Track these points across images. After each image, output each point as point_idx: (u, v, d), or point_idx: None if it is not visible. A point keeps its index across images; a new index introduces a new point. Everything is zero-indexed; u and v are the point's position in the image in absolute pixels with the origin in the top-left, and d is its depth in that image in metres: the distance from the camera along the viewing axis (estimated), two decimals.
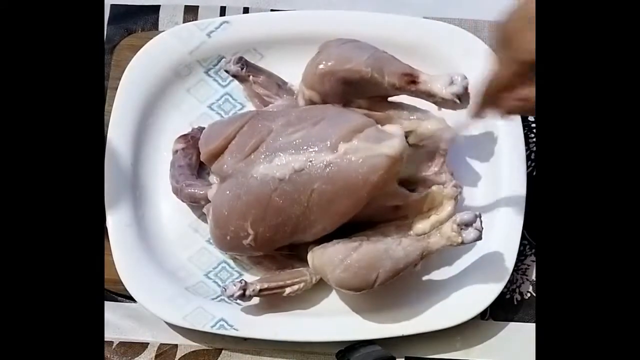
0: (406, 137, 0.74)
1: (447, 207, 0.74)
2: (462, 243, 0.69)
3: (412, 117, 0.76)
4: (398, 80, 0.73)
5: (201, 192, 0.77)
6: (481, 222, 0.69)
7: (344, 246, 0.71)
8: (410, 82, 0.73)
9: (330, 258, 0.71)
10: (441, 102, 0.74)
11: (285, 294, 0.74)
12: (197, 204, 0.78)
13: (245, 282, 0.73)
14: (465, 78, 0.72)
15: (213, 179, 0.78)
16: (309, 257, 0.74)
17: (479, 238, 0.69)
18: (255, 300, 0.75)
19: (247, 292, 0.73)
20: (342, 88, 0.74)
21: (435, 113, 0.76)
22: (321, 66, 0.74)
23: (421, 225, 0.74)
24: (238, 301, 0.74)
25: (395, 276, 0.70)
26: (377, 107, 0.76)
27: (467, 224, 0.69)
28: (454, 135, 0.75)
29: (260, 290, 0.73)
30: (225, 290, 0.73)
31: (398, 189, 0.73)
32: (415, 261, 0.71)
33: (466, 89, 0.72)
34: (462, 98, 0.73)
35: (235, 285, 0.73)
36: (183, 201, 0.79)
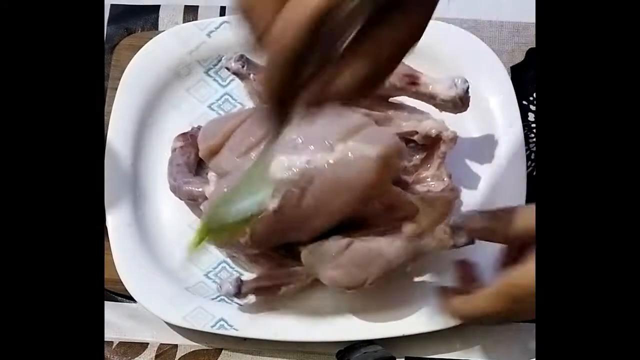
0: (411, 137, 0.74)
1: (442, 210, 0.73)
2: (454, 246, 0.69)
3: (411, 118, 0.76)
4: (399, 81, 0.73)
5: (199, 190, 0.77)
6: None
7: (336, 244, 0.71)
8: (411, 83, 0.73)
9: (322, 256, 0.71)
10: (442, 105, 0.74)
11: (280, 293, 0.74)
12: (195, 202, 0.78)
13: (241, 279, 0.73)
14: (466, 81, 0.72)
15: (211, 176, 0.78)
16: (302, 255, 0.73)
17: (472, 242, 0.69)
18: (252, 298, 0.75)
19: (242, 290, 0.73)
20: None
21: (435, 115, 0.76)
22: None
23: (415, 227, 0.73)
24: (235, 299, 0.74)
25: (387, 276, 0.70)
26: (377, 107, 0.76)
27: (460, 227, 0.69)
28: (454, 137, 0.75)
29: (256, 288, 0.73)
30: (221, 287, 0.73)
31: (393, 189, 0.73)
32: (407, 262, 0.71)
33: (467, 92, 0.72)
34: (463, 101, 0.73)
35: (230, 283, 0.73)
36: (181, 199, 0.79)
